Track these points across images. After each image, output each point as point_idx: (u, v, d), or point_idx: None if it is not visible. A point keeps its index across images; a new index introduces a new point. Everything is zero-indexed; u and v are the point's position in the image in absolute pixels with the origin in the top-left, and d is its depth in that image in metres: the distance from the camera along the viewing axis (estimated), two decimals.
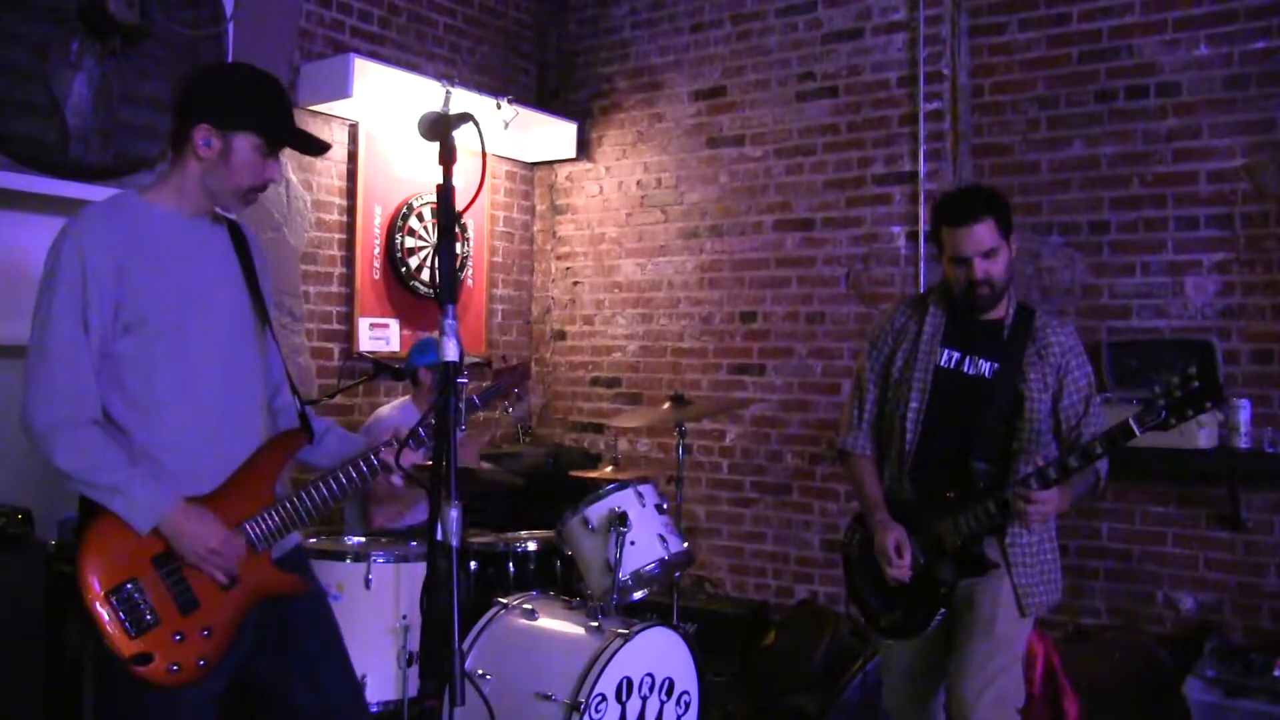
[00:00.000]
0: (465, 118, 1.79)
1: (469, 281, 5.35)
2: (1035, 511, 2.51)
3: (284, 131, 2.16)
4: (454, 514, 1.63)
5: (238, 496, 2.13)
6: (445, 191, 1.75)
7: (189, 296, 2.11)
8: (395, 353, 4.79)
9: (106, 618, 1.97)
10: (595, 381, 5.57)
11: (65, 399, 1.98)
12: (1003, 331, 2.72)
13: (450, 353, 1.67)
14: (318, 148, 2.25)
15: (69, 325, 1.99)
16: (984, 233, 2.60)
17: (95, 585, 1.98)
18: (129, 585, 2.00)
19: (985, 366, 2.72)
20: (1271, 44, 3.93)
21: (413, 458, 2.26)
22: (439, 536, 1.63)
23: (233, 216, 2.30)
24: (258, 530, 2.13)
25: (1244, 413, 3.83)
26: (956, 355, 2.74)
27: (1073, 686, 3.70)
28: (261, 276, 2.28)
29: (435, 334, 4.75)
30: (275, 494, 2.18)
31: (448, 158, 1.77)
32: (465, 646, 3.10)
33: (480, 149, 1.81)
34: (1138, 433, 2.38)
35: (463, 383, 1.71)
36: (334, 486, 2.22)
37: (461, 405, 1.71)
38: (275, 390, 2.36)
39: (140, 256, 2.05)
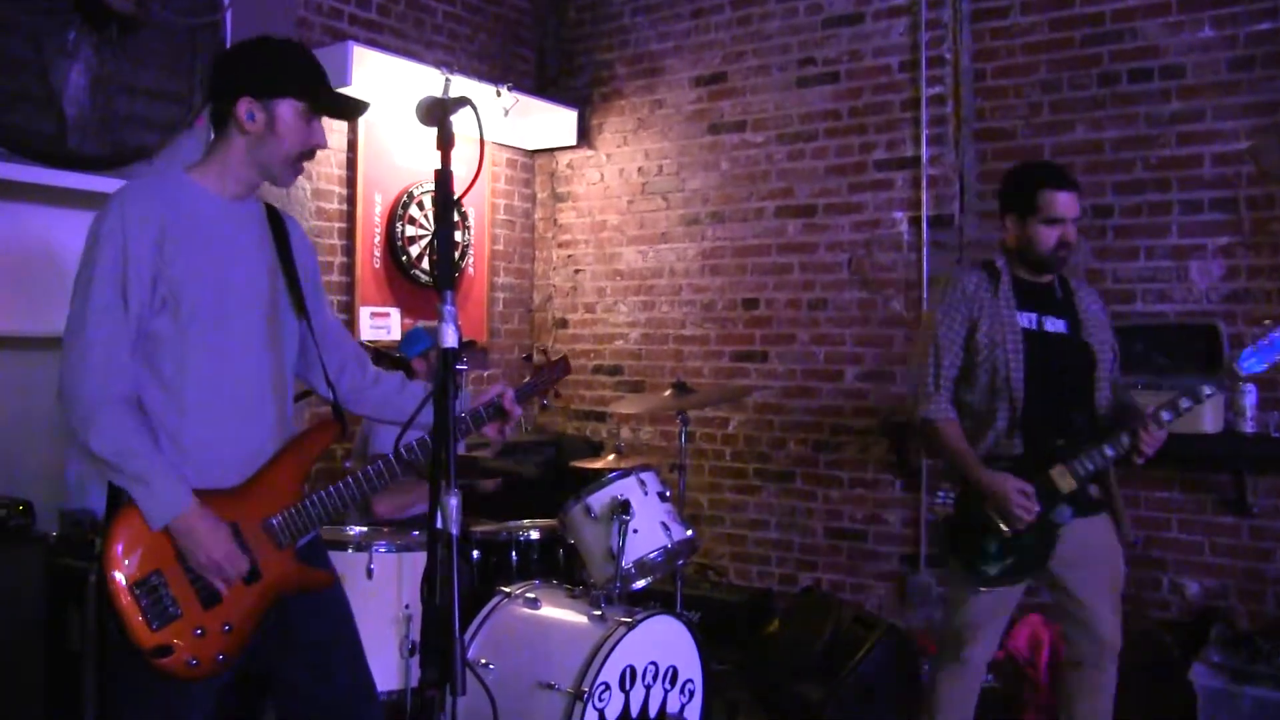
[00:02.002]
0: (462, 102, 1.77)
1: (470, 270, 5.33)
2: (1152, 448, 2.81)
3: (325, 94, 2.15)
4: (453, 502, 1.61)
5: (265, 489, 2.12)
6: (443, 176, 1.74)
7: (225, 281, 2.09)
8: (397, 342, 4.78)
9: (129, 608, 1.96)
10: (597, 369, 5.56)
11: (101, 372, 1.96)
12: (1055, 292, 3.01)
13: (449, 339, 1.66)
14: (356, 109, 2.23)
15: (108, 297, 1.97)
16: (1076, 200, 2.92)
17: (120, 575, 1.96)
18: (153, 577, 1.98)
19: (1060, 324, 2.98)
20: (1276, 25, 3.89)
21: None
22: (439, 525, 1.62)
23: (273, 204, 2.28)
24: (283, 525, 2.11)
25: (1250, 397, 3.81)
26: (1034, 317, 2.95)
27: None
28: (301, 264, 2.25)
29: (423, 324, 4.72)
30: (304, 487, 2.16)
31: (445, 142, 1.76)
32: (468, 636, 3.09)
33: (478, 134, 1.79)
34: (1243, 374, 2.81)
35: (462, 369, 1.69)
36: (362, 481, 2.19)
37: (463, 392, 1.69)
38: (359, 368, 2.38)
39: (180, 231, 2.03)
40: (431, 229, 4.94)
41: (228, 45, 3.98)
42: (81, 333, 1.97)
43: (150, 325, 2.01)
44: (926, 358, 2.97)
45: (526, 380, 2.58)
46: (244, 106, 2.07)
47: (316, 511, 2.15)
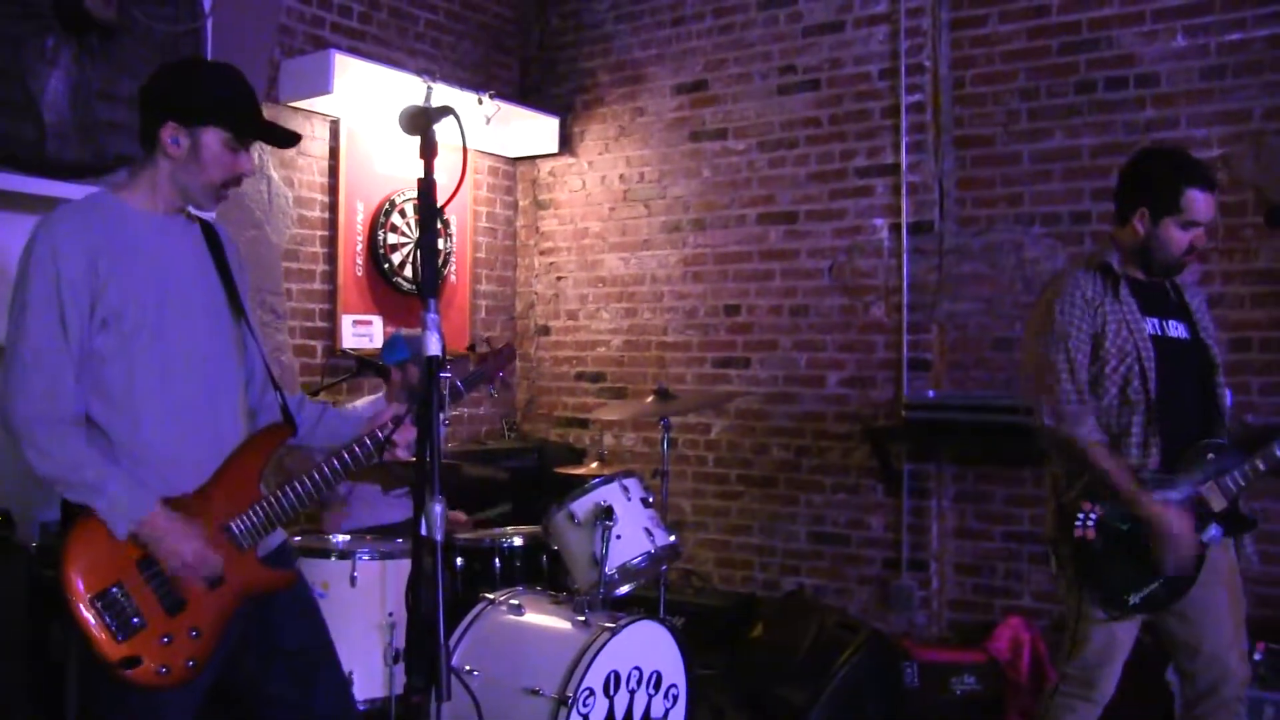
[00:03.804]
0: (445, 111, 1.79)
1: (452, 277, 5.34)
2: None
3: (251, 124, 2.15)
4: (437, 509, 1.62)
5: (222, 494, 2.12)
6: (426, 185, 1.75)
7: (164, 293, 2.09)
8: (378, 350, 4.78)
9: (93, 622, 1.95)
10: (580, 376, 5.56)
11: (43, 402, 1.97)
12: (1169, 293, 2.82)
13: (432, 347, 1.67)
14: (287, 139, 2.23)
15: (44, 327, 1.98)
16: (1214, 201, 2.69)
17: (80, 590, 1.96)
18: (114, 589, 1.98)
19: (1181, 329, 2.78)
20: (1247, 35, 3.96)
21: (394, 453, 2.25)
22: (423, 532, 1.63)
23: (207, 216, 2.28)
24: (242, 527, 2.12)
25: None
26: (1156, 322, 2.75)
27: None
28: (237, 274, 2.26)
29: (403, 331, 4.71)
30: (260, 490, 2.17)
31: (428, 151, 1.77)
32: (452, 642, 3.09)
33: (461, 143, 1.80)
34: None
35: (446, 376, 1.70)
36: (317, 480, 2.20)
37: (446, 397, 1.71)
38: (260, 388, 2.34)
39: (114, 253, 2.03)
40: (413, 237, 4.95)
41: (208, 53, 3.97)
42: (20, 363, 1.98)
43: (92, 345, 2.02)
44: (1058, 369, 2.69)
45: (472, 370, 2.58)
46: (168, 131, 2.08)
47: (273, 512, 2.15)
